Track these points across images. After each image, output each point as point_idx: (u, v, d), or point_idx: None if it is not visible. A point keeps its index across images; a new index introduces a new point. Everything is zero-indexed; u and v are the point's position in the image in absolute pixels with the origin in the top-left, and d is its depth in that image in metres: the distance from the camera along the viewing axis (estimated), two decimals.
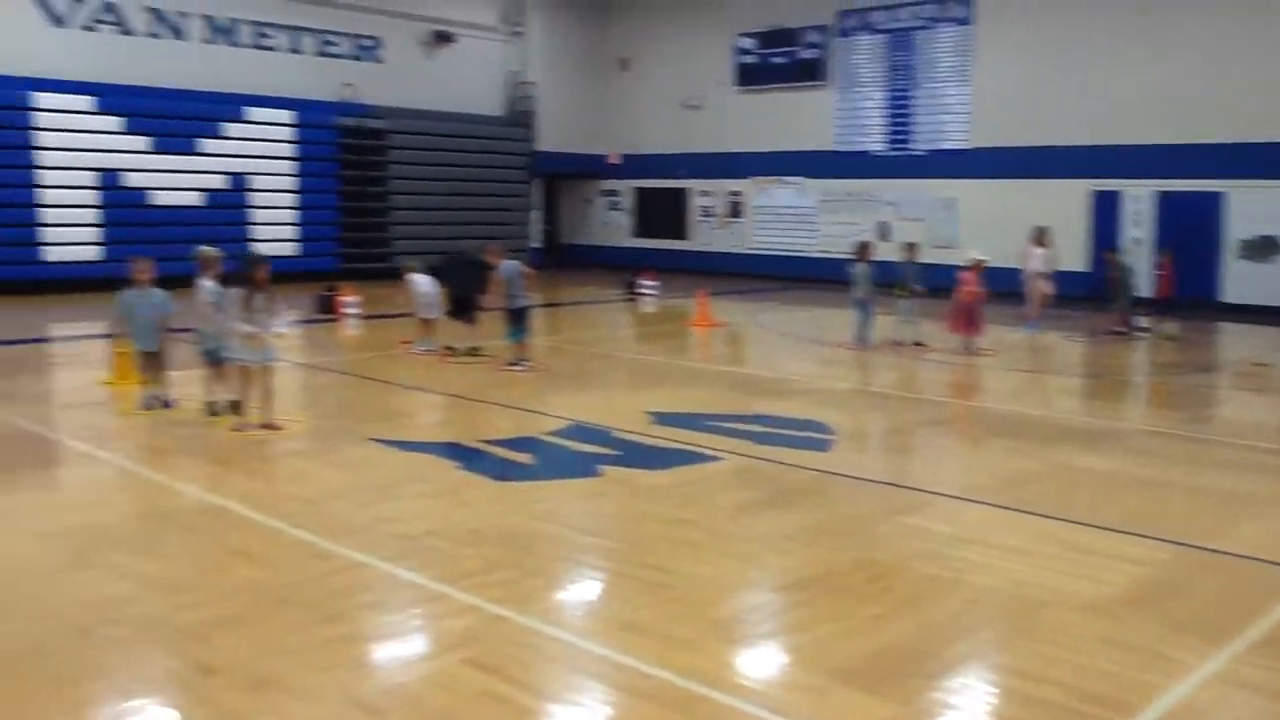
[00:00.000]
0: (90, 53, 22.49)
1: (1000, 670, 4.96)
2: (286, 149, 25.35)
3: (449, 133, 28.04)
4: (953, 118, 25.21)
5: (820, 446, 9.38)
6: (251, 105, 24.73)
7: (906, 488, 8.15)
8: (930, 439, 10.36)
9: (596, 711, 4.53)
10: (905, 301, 15.87)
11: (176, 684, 4.69)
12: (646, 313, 21.59)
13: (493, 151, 28.97)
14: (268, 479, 8.23)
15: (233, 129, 24.45)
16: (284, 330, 9.77)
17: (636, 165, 31.27)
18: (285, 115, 25.27)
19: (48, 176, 21.96)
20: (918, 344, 15.42)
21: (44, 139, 21.85)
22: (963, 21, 24.85)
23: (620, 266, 26.66)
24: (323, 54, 26.39)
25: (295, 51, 25.93)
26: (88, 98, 22.29)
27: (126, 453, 8.90)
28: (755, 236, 29.03)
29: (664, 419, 10.35)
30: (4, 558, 6.27)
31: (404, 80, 27.36)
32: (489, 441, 9.31)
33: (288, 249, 25.22)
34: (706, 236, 30.09)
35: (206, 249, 10.63)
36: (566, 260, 32.50)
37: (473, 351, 14.08)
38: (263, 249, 24.27)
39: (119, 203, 22.80)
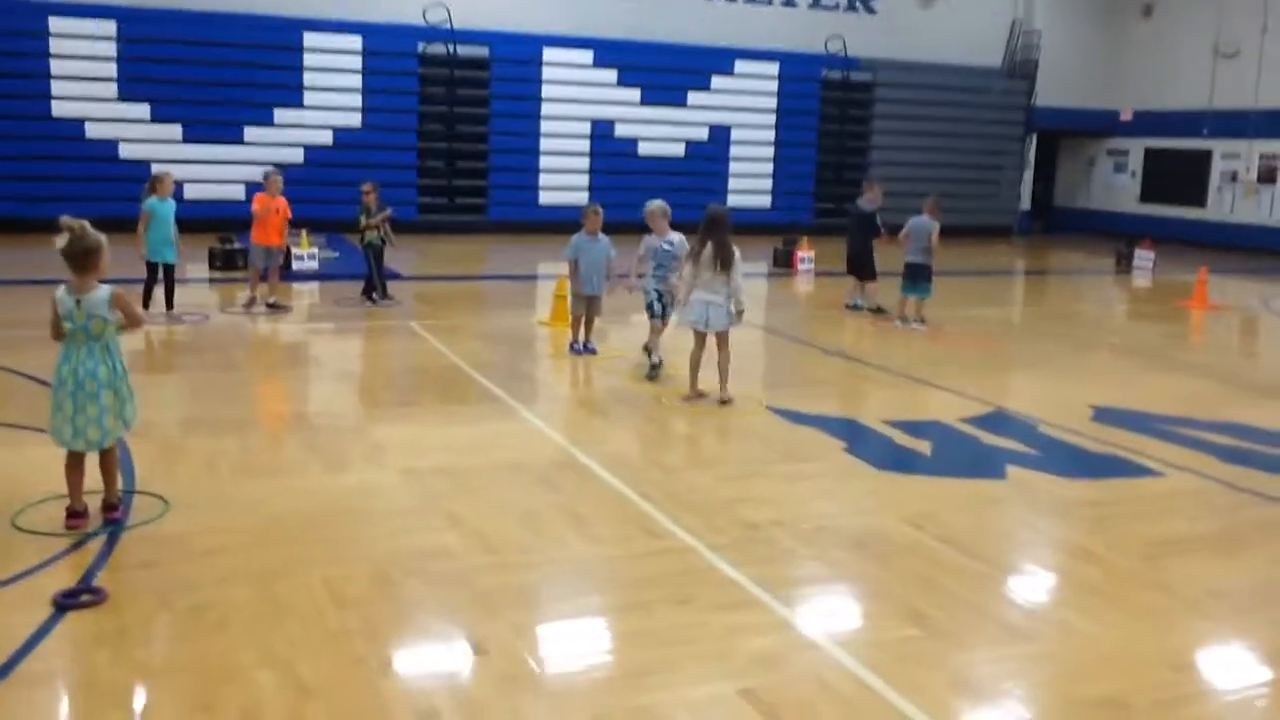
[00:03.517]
0: (589, 10, 23.64)
1: None
2: (769, 101, 25.27)
3: (939, 85, 26.53)
4: None
5: None
6: (740, 59, 24.87)
7: None
8: None
9: None
10: None
11: (434, 657, 4.38)
12: (1135, 288, 19.05)
13: (986, 106, 27.04)
14: (644, 441, 7.88)
15: (719, 81, 24.74)
16: (740, 306, 8.64)
17: (1148, 122, 27.80)
18: (771, 68, 25.17)
19: (547, 126, 23.51)
20: None
21: (547, 90, 23.40)
22: None
23: (1120, 234, 23.82)
24: (815, 5, 25.89)
25: (789, 4, 25.66)
26: (586, 51, 23.52)
27: (523, 395, 8.93)
28: None
29: (1108, 416, 8.76)
30: (362, 488, 6.38)
31: (896, 31, 26.19)
32: (892, 422, 8.34)
33: (762, 201, 25.26)
34: (1226, 205, 26.13)
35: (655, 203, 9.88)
36: (1059, 225, 29.83)
37: (876, 310, 13.58)
38: (737, 200, 24.69)
39: (609, 151, 23.94)
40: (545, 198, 23.61)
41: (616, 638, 4.63)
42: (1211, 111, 26.04)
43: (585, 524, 5.90)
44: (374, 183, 13.13)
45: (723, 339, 8.58)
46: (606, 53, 23.64)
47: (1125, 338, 13.04)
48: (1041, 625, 4.84)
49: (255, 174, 21.02)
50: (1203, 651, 4.71)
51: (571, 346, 10.45)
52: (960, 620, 4.84)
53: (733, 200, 24.81)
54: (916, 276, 12.73)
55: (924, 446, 7.74)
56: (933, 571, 5.41)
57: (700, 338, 8.59)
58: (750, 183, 25.12)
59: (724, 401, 8.56)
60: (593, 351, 10.37)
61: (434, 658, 4.40)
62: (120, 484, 5.89)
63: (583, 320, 10.44)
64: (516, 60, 23.15)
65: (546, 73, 23.36)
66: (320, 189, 21.02)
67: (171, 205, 11.55)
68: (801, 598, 5.00)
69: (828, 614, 4.87)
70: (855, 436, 7.91)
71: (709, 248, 8.34)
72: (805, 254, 18.18)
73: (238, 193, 20.28)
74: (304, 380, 9.60)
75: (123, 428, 5.81)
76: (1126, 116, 28.41)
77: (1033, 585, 5.33)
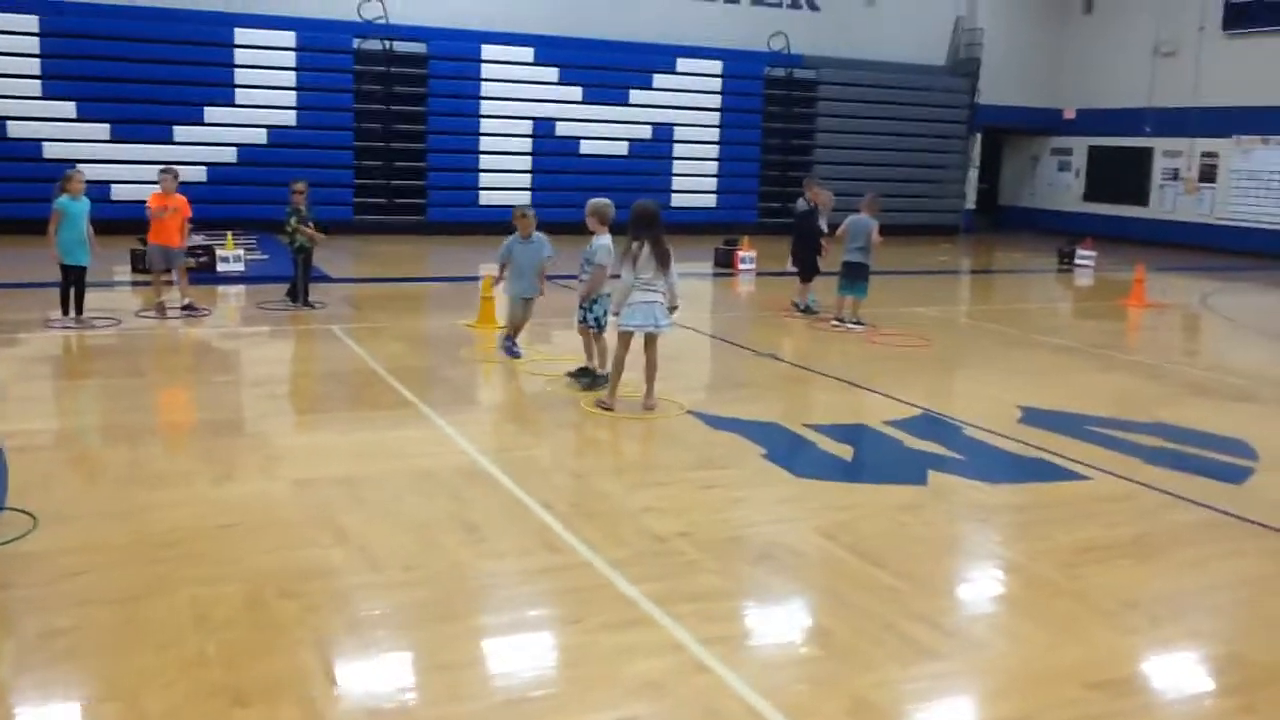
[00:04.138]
0: (529, 6, 23.28)
1: None
2: (713, 100, 25.06)
3: (883, 83, 26.50)
4: None
5: (1234, 477, 7.24)
6: (683, 56, 24.63)
7: None
8: None
9: None
10: None
11: (293, 688, 4.06)
12: (1076, 286, 19.03)
13: (929, 104, 27.04)
14: (557, 447, 7.57)
15: (662, 79, 24.49)
16: (675, 303, 8.35)
17: (1092, 120, 27.93)
18: (714, 66, 24.97)
19: (487, 125, 23.13)
20: None
21: (486, 89, 23.03)
22: None
23: (1064, 233, 23.85)
24: (758, 2, 25.72)
25: (731, 1, 25.46)
26: (526, 49, 23.17)
27: (437, 401, 8.58)
28: (1229, 205, 24.88)
29: (1036, 417, 8.59)
30: (249, 501, 6.04)
31: (839, 28, 26.13)
32: (815, 426, 8.10)
33: (706, 200, 25.05)
34: (1169, 203, 26.29)
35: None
36: (1003, 224, 29.92)
37: (805, 310, 13.37)
38: (680, 200, 24.46)
39: (550, 150, 23.60)
40: (486, 198, 23.23)
41: (494, 662, 4.34)
42: (1152, 110, 26.19)
43: (481, 537, 5.60)
44: (305, 181, 12.72)
45: (651, 340, 8.29)
46: (547, 50, 23.32)
47: (1061, 336, 12.91)
48: (951, 641, 4.60)
49: (187, 174, 20.58)
50: (1117, 666, 4.50)
51: (507, 346, 10.04)
52: (865, 637, 4.59)
53: (676, 199, 24.62)
54: (854, 276, 12.53)
55: (846, 452, 7.51)
56: (840, 585, 5.16)
57: (627, 340, 8.27)
58: (694, 182, 24.91)
59: (649, 407, 8.28)
60: (517, 355, 10.04)
61: (293, 689, 4.07)
62: None
63: (520, 323, 10.07)
64: (455, 57, 22.78)
65: (486, 70, 23.01)
66: (254, 189, 20.59)
67: (84, 205, 11.06)
68: (698, 615, 4.73)
69: (724, 633, 4.59)
70: (776, 442, 7.65)
71: (646, 247, 8.03)
72: (746, 254, 17.94)
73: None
74: (209, 386, 9.20)
75: None
76: (1070, 115, 28.53)
77: (944, 598, 5.09)
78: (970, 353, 11.92)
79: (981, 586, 5.22)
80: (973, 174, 28.58)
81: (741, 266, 17.87)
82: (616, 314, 8.26)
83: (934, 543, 5.79)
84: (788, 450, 7.46)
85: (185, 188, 20.07)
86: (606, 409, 8.26)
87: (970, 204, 28.76)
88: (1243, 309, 17.04)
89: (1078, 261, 20.60)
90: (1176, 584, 5.39)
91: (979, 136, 28.49)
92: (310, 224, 12.45)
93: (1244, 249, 23.63)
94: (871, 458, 7.43)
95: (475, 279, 15.47)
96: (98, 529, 5.55)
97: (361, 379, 9.30)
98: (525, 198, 23.09)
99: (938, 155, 27.37)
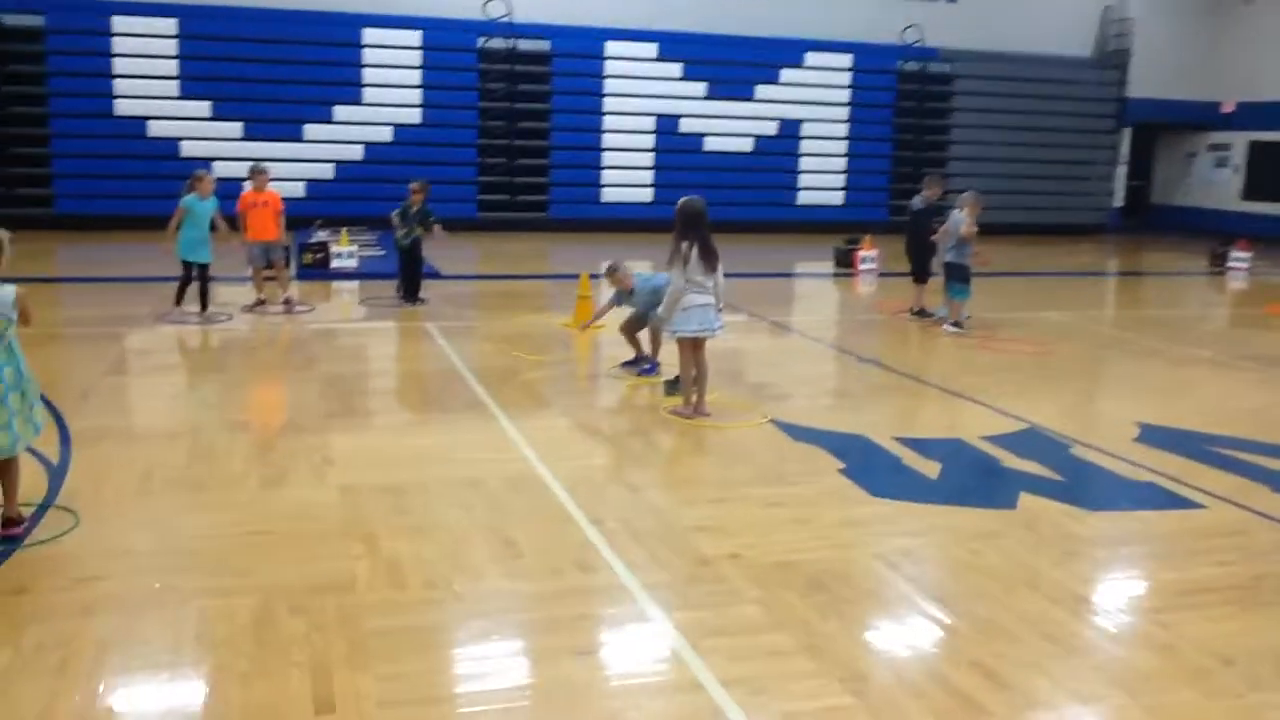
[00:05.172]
0: (653, 1, 22.97)
1: None
2: (842, 94, 24.35)
3: (1023, 76, 25.30)
4: None
5: None
6: (812, 50, 24.00)
7: None
8: None
9: None
10: None
11: (277, 714, 3.81)
12: (1225, 291, 17.72)
13: (1074, 98, 25.70)
14: (620, 457, 7.22)
15: (789, 74, 23.91)
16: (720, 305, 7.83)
17: (1253, 114, 26.10)
18: (844, 60, 24.25)
19: (610, 121, 22.94)
20: None
21: (610, 85, 22.84)
22: None
23: (1221, 233, 22.30)
24: None
25: None
26: (650, 45, 22.89)
27: (510, 403, 8.29)
28: None
29: (1156, 436, 7.84)
30: (290, 507, 5.87)
31: (976, 20, 25.02)
32: (905, 439, 7.55)
33: (835, 198, 24.35)
34: None
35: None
36: (1156, 223, 28.26)
37: (919, 314, 12.68)
38: (807, 198, 23.86)
39: (674, 147, 23.27)
40: (608, 195, 23.05)
41: (486, 699, 3.99)
42: None
43: (516, 553, 5.29)
44: (423, 181, 12.69)
45: (701, 344, 7.87)
46: (671, 45, 22.99)
47: (1199, 346, 11.90)
48: (1001, 697, 4.07)
49: (315, 172, 21.05)
50: None
51: (643, 366, 9.31)
52: (905, 687, 4.11)
53: (802, 197, 24.01)
54: (950, 276, 11.90)
55: (932, 469, 6.95)
56: (890, 624, 4.68)
57: (691, 346, 7.86)
58: (821, 179, 24.21)
59: (705, 414, 7.86)
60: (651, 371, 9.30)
61: (277, 715, 3.83)
62: (29, 495, 5.49)
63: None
64: (579, 54, 22.65)
65: (609, 67, 22.81)
66: (380, 186, 20.85)
67: (211, 205, 11.25)
68: (727, 652, 4.31)
69: (750, 674, 4.16)
70: (857, 456, 7.14)
71: (696, 247, 7.61)
72: (867, 253, 17.27)
73: (298, 190, 20.15)
74: (287, 384, 9.15)
75: (33, 433, 5.42)
76: (1229, 108, 26.76)
77: (1002, 645, 4.53)
78: (1093, 362, 11.08)
79: (1045, 632, 4.63)
80: (1121, 171, 27.07)
81: (862, 267, 17.22)
82: (668, 319, 7.85)
83: (1008, 578, 5.22)
84: (868, 466, 6.95)
85: (315, 185, 20.78)
86: (686, 417, 7.88)
87: (1119, 202, 27.26)
88: None
89: (1230, 264, 19.20)
90: None
91: (1129, 132, 26.96)
92: (430, 221, 12.43)
93: None
94: (958, 477, 6.84)
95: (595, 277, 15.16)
96: (131, 532, 5.45)
97: (440, 378, 9.13)
98: (648, 195, 22.90)
99: (1082, 151, 26.01)
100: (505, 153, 22.56)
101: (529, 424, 7.68)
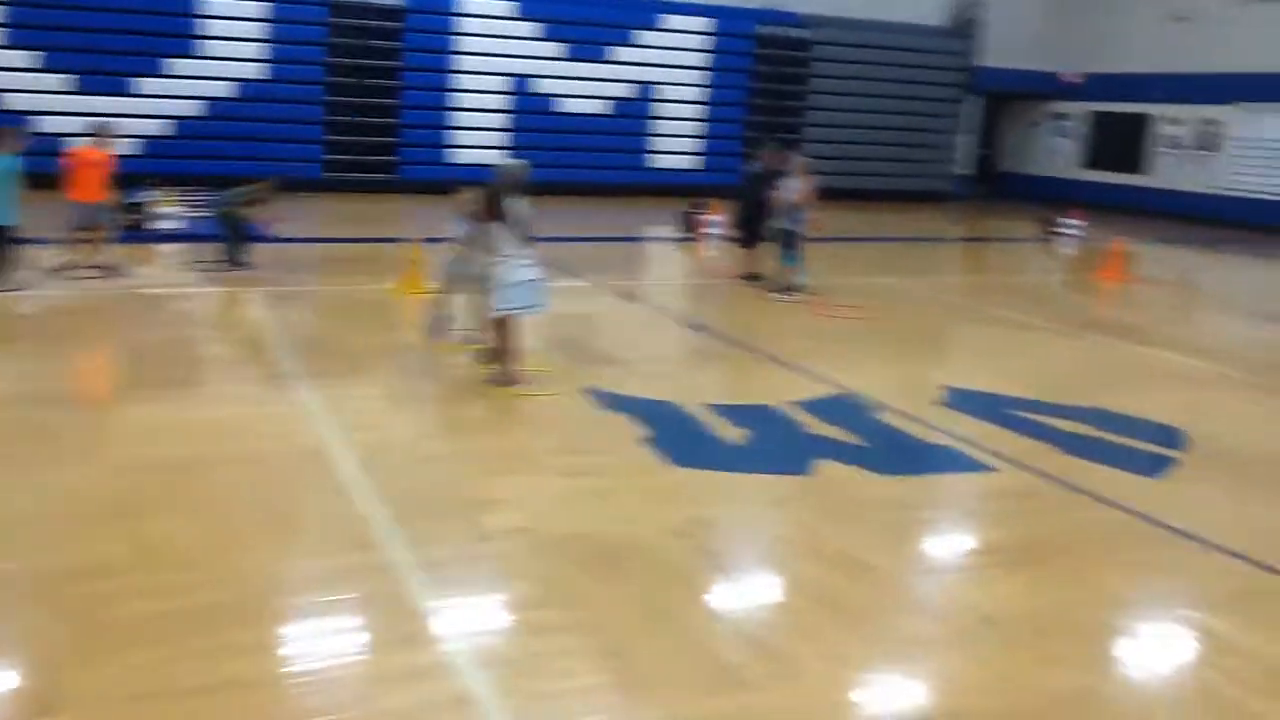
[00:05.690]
0: None
1: None
2: (699, 58, 24.27)
3: (879, 44, 25.56)
4: None
5: (1153, 469, 6.67)
6: (670, 13, 23.86)
7: (1268, 568, 5.35)
8: None
9: None
10: None
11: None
12: (1056, 258, 18.31)
13: (927, 66, 26.10)
14: (422, 426, 7.04)
15: (647, 36, 23.74)
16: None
17: (1096, 85, 26.98)
18: (702, 23, 24.17)
19: (463, 81, 22.46)
20: None
21: (464, 44, 22.34)
22: None
23: (1062, 201, 22.99)
24: None
25: None
26: (511, 3, 22.45)
27: (316, 374, 7.96)
28: (1232, 175, 23.99)
29: (960, 400, 8.01)
30: (56, 489, 5.53)
31: None
32: (716, 406, 7.54)
33: (688, 162, 24.33)
34: (1169, 173, 25.38)
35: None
36: (1003, 191, 29.04)
37: (750, 279, 12.68)
38: (662, 161, 23.79)
39: (527, 109, 22.92)
40: (459, 156, 22.59)
41: (237, 686, 3.80)
42: (1158, 75, 25.25)
43: (292, 532, 5.10)
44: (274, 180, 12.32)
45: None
46: (531, 4, 22.58)
47: (1021, 311, 12.23)
48: (767, 667, 4.07)
49: (149, 127, 20.08)
50: (946, 696, 3.96)
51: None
52: (671, 659, 4.07)
53: (656, 161, 23.92)
54: (782, 243, 11.98)
55: (739, 435, 6.96)
56: (667, 595, 4.63)
57: (510, 319, 7.67)
58: (674, 143, 24.16)
59: (516, 381, 7.69)
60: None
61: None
62: None
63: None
64: (434, 10, 22.06)
65: (465, 24, 22.29)
66: (220, 144, 20.07)
67: (15, 162, 10.46)
68: (487, 634, 4.23)
69: (506, 657, 4.08)
70: (666, 425, 7.09)
71: (511, 214, 7.43)
72: (713, 218, 17.28)
73: (135, 147, 19.16)
74: (83, 354, 8.68)
75: None
76: (1073, 79, 27.56)
77: (776, 612, 4.55)
78: (917, 327, 11.29)
79: (823, 598, 4.63)
80: (968, 139, 27.70)
81: (706, 231, 17.23)
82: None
83: (793, 543, 5.25)
84: (675, 434, 6.91)
85: (150, 142, 19.82)
86: (503, 383, 7.72)
87: (968, 170, 27.92)
88: (1230, 285, 16.35)
89: (1062, 231, 19.83)
90: (1050, 597, 4.82)
91: (982, 101, 27.57)
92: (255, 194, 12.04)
93: (1245, 220, 22.76)
94: (762, 444, 6.86)
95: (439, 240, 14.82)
96: None
97: (247, 346, 8.79)
98: (499, 156, 22.51)
99: (931, 119, 26.49)
100: (352, 110, 21.88)
101: (339, 394, 7.44)
